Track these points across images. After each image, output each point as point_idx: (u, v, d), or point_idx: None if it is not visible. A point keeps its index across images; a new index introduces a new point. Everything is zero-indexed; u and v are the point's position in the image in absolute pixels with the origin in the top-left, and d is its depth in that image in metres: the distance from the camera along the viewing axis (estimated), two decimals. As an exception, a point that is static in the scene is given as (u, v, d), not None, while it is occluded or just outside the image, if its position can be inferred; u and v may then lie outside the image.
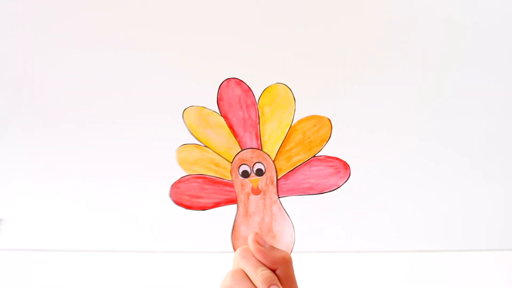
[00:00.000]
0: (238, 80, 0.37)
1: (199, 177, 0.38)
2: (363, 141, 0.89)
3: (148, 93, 0.93)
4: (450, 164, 0.92)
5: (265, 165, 0.36)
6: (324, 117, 0.36)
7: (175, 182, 0.39)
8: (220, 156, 0.38)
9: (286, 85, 0.36)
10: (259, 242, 0.35)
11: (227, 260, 0.86)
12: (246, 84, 0.37)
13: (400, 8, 0.89)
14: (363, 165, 0.92)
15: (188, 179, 0.39)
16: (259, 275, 0.34)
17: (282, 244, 0.36)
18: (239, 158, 0.37)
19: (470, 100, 0.91)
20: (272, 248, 0.35)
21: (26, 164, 0.95)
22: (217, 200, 0.38)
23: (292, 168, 0.36)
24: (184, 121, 0.38)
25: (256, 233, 0.35)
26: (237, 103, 0.37)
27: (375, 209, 0.90)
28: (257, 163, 0.37)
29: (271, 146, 0.36)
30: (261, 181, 0.37)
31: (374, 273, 0.83)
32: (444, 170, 0.92)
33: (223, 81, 0.37)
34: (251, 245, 0.35)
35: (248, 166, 0.37)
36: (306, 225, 0.86)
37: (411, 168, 0.92)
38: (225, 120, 0.37)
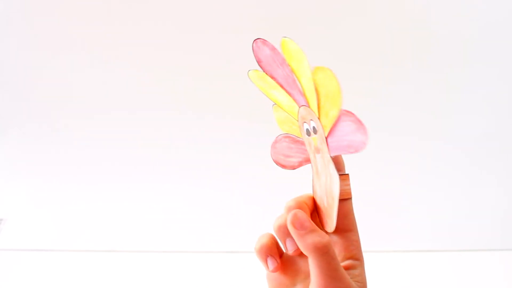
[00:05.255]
0: (263, 40, 0.35)
1: (286, 136, 0.38)
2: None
3: (147, 91, 0.93)
4: (452, 163, 0.92)
5: (316, 123, 0.33)
6: (325, 67, 0.31)
7: (273, 142, 0.38)
8: (290, 115, 0.36)
9: (291, 39, 0.33)
10: (295, 225, 0.32)
11: (227, 260, 0.85)
12: (270, 43, 0.35)
13: (401, 5, 0.89)
14: (365, 164, 0.92)
15: (280, 139, 0.38)
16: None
17: (336, 208, 0.32)
18: (300, 116, 0.35)
19: (474, 99, 0.91)
20: (308, 232, 0.31)
21: (26, 164, 0.95)
22: (300, 159, 0.37)
23: (331, 124, 0.32)
24: (254, 83, 0.37)
25: (295, 213, 0.32)
26: (273, 62, 0.35)
27: (375, 209, 0.90)
28: (311, 121, 0.34)
29: (312, 102, 0.33)
30: (317, 139, 0.34)
31: (375, 273, 0.82)
32: (446, 169, 0.92)
33: (253, 44, 0.35)
34: (288, 226, 0.32)
35: (307, 124, 0.34)
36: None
37: (412, 168, 0.92)
38: (274, 80, 0.35)
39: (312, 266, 0.31)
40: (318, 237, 0.31)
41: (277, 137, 0.38)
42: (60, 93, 0.94)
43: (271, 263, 0.35)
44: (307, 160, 0.36)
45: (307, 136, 0.35)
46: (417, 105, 0.91)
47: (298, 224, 0.32)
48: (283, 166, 0.38)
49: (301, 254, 0.35)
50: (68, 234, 0.90)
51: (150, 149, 0.92)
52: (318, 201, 0.35)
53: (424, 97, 0.91)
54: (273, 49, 0.35)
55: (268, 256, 0.35)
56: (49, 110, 0.94)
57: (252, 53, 0.36)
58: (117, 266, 0.84)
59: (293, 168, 0.38)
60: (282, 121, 0.38)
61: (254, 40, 0.35)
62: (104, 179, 0.93)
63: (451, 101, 0.92)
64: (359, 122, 0.30)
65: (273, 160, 0.38)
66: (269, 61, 0.35)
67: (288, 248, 0.34)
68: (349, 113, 0.31)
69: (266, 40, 0.35)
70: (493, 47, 0.90)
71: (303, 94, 0.34)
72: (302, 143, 0.37)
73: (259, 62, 0.36)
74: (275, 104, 0.37)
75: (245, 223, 0.83)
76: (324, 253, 0.31)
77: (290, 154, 0.38)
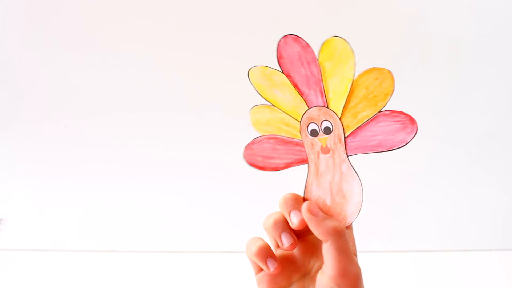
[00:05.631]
0: (295, 36, 0.35)
1: (271, 138, 0.38)
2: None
3: (147, 91, 0.93)
4: (452, 163, 0.92)
5: (332, 123, 0.35)
6: (384, 69, 0.33)
7: (248, 144, 0.38)
8: (289, 115, 0.36)
9: (343, 38, 0.34)
10: (312, 211, 0.33)
11: (227, 260, 0.85)
12: (304, 40, 0.35)
13: (401, 5, 0.89)
14: (364, 165, 0.92)
15: (260, 140, 0.38)
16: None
17: (351, 204, 0.34)
18: (307, 117, 0.36)
19: (474, 99, 0.91)
20: (325, 218, 0.33)
21: (26, 164, 0.95)
22: (289, 161, 0.37)
23: (358, 125, 0.34)
24: (250, 82, 0.37)
25: (310, 202, 0.34)
26: (297, 60, 0.35)
27: (375, 209, 0.90)
28: (324, 121, 0.35)
29: (336, 102, 0.34)
30: (329, 139, 0.35)
31: (378, 273, 0.82)
32: (446, 169, 0.92)
33: (281, 39, 0.36)
34: (304, 214, 0.33)
35: (316, 124, 0.35)
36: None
37: (412, 168, 0.92)
38: (289, 79, 0.36)
39: (330, 250, 0.32)
40: (336, 222, 0.33)
41: (255, 138, 0.38)
42: (60, 93, 0.94)
43: (272, 264, 0.35)
44: (300, 161, 0.37)
45: (310, 137, 0.36)
46: (417, 105, 0.91)
47: (315, 211, 0.33)
48: (261, 168, 0.38)
49: (308, 244, 0.36)
50: (68, 234, 0.90)
51: (150, 149, 0.92)
52: (314, 200, 0.36)
53: (424, 97, 0.91)
54: (305, 47, 0.35)
55: (267, 257, 0.35)
56: (49, 110, 0.94)
57: (269, 50, 0.36)
58: (117, 266, 0.84)
59: (276, 169, 0.38)
60: (265, 123, 0.38)
61: (284, 35, 0.35)
62: (104, 179, 0.93)
63: (451, 101, 0.92)
64: (409, 121, 0.32)
65: (248, 162, 0.38)
66: (294, 58, 0.36)
67: (283, 242, 0.35)
68: (394, 113, 0.33)
69: (299, 37, 0.35)
70: (493, 47, 0.90)
71: (323, 95, 0.35)
72: (297, 144, 0.37)
73: (280, 58, 0.36)
74: (257, 105, 0.38)
75: (245, 223, 0.83)
76: (342, 236, 0.32)
77: (273, 156, 0.37)
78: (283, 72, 0.36)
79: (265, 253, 0.35)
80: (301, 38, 0.35)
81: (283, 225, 0.35)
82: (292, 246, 0.35)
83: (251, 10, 0.89)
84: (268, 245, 0.35)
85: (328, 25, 0.88)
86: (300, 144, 0.36)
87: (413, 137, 0.32)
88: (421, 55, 0.90)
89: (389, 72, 0.33)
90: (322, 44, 0.35)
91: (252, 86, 0.37)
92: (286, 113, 0.37)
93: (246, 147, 0.38)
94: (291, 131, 0.37)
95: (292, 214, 0.34)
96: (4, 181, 0.95)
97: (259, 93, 0.37)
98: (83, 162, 0.93)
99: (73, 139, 0.94)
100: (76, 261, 0.85)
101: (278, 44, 0.36)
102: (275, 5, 0.89)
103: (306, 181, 0.36)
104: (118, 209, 0.91)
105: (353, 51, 0.34)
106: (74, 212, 0.92)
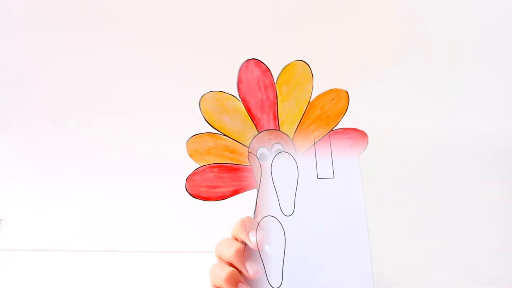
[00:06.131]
0: (257, 61, 0.36)
1: (215, 166, 0.37)
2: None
3: (148, 90, 0.93)
4: (452, 163, 0.92)
5: (284, 145, 0.35)
6: (341, 90, 0.34)
7: (190, 175, 0.38)
8: (236, 141, 0.36)
9: (304, 62, 0.35)
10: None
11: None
12: (264, 64, 0.36)
13: (400, 6, 0.89)
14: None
15: (203, 170, 0.38)
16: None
17: None
18: (256, 141, 0.36)
19: (476, 98, 0.91)
20: None
21: (26, 164, 0.95)
22: (235, 188, 0.37)
23: (311, 145, 0.35)
24: (200, 108, 0.37)
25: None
26: (255, 85, 0.36)
27: (378, 209, 0.90)
28: (275, 144, 0.35)
29: (288, 125, 0.35)
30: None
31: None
32: (446, 169, 0.92)
33: (243, 63, 0.36)
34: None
35: (266, 148, 0.36)
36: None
37: (416, 168, 0.92)
38: (243, 103, 0.36)
39: None
40: None
41: (196, 169, 0.37)
42: (61, 93, 0.94)
43: None
44: (247, 187, 0.37)
45: (259, 161, 0.36)
46: (417, 105, 0.91)
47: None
48: (206, 199, 0.38)
49: None
50: (68, 234, 0.90)
51: (150, 149, 0.92)
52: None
53: (425, 97, 0.91)
54: (264, 71, 0.36)
55: (238, 282, 0.35)
56: (49, 110, 0.94)
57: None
58: (117, 266, 0.84)
59: (222, 198, 0.38)
60: (205, 152, 0.37)
61: (247, 60, 0.36)
62: (104, 179, 0.93)
63: (451, 101, 0.92)
64: (360, 136, 0.33)
65: (191, 194, 0.38)
66: (252, 83, 0.36)
67: (249, 270, 0.35)
68: (346, 130, 0.34)
69: (260, 61, 0.36)
70: (493, 47, 0.90)
71: (275, 118, 0.35)
72: (244, 170, 0.37)
73: (239, 82, 0.36)
74: (197, 134, 0.37)
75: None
76: None
77: (218, 184, 0.37)
78: (239, 97, 0.36)
79: (235, 279, 0.35)
80: (262, 62, 0.36)
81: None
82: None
83: (251, 10, 0.89)
84: (236, 271, 0.36)
85: (327, 25, 0.88)
86: (247, 170, 0.36)
87: (364, 149, 0.34)
88: (421, 55, 0.90)
89: (346, 92, 0.34)
90: (283, 69, 0.35)
91: (200, 113, 0.37)
92: (233, 139, 0.36)
93: (187, 179, 0.38)
94: (237, 157, 0.37)
95: (250, 235, 0.36)
96: (4, 181, 0.95)
97: (206, 120, 0.37)
98: (83, 162, 0.93)
99: (73, 139, 0.94)
100: (76, 261, 0.85)
101: (240, 69, 0.36)
102: (275, 5, 0.89)
103: (256, 205, 0.37)
104: (118, 209, 0.91)
105: (312, 74, 0.35)
106: (74, 212, 0.92)
